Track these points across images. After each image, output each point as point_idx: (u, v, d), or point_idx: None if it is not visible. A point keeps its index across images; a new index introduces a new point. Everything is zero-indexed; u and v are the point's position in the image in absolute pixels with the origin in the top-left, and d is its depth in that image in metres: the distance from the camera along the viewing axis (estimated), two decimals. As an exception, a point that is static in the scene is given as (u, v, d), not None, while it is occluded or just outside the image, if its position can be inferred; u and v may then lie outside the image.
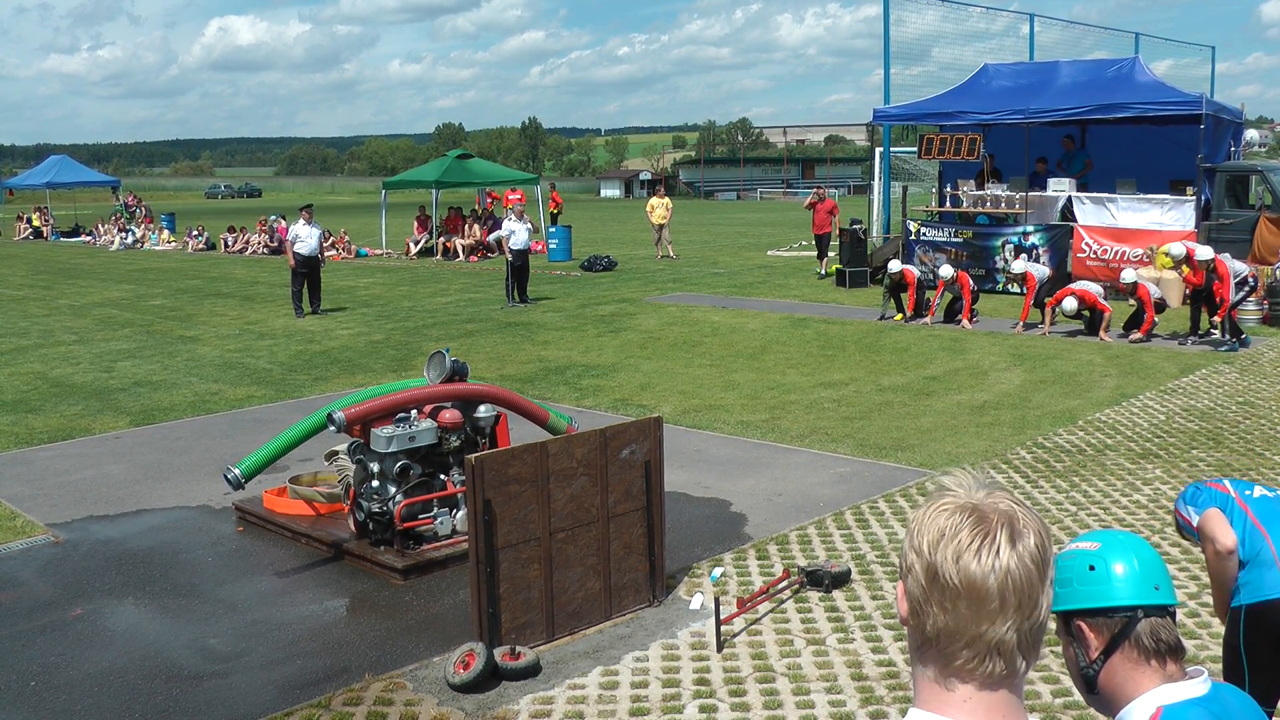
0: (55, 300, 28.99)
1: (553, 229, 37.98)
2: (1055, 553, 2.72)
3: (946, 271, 20.96)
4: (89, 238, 53.45)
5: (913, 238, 26.05)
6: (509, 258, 25.51)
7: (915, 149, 28.56)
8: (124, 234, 49.52)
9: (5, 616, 8.40)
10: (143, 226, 50.71)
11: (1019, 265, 21.33)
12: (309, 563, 9.35)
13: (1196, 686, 2.53)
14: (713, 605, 7.66)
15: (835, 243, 28.97)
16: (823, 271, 29.19)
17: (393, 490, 9.07)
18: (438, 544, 9.15)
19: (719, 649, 7.39)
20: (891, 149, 31.96)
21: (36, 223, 57.82)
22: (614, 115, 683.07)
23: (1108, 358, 17.03)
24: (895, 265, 21.32)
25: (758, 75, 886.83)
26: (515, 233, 25.49)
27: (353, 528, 9.46)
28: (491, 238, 38.06)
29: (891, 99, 29.00)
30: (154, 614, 8.39)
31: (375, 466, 9.18)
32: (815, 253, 30.94)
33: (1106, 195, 24.36)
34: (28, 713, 6.90)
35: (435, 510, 9.24)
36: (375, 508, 9.08)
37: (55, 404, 15.72)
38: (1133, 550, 2.80)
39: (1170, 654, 2.64)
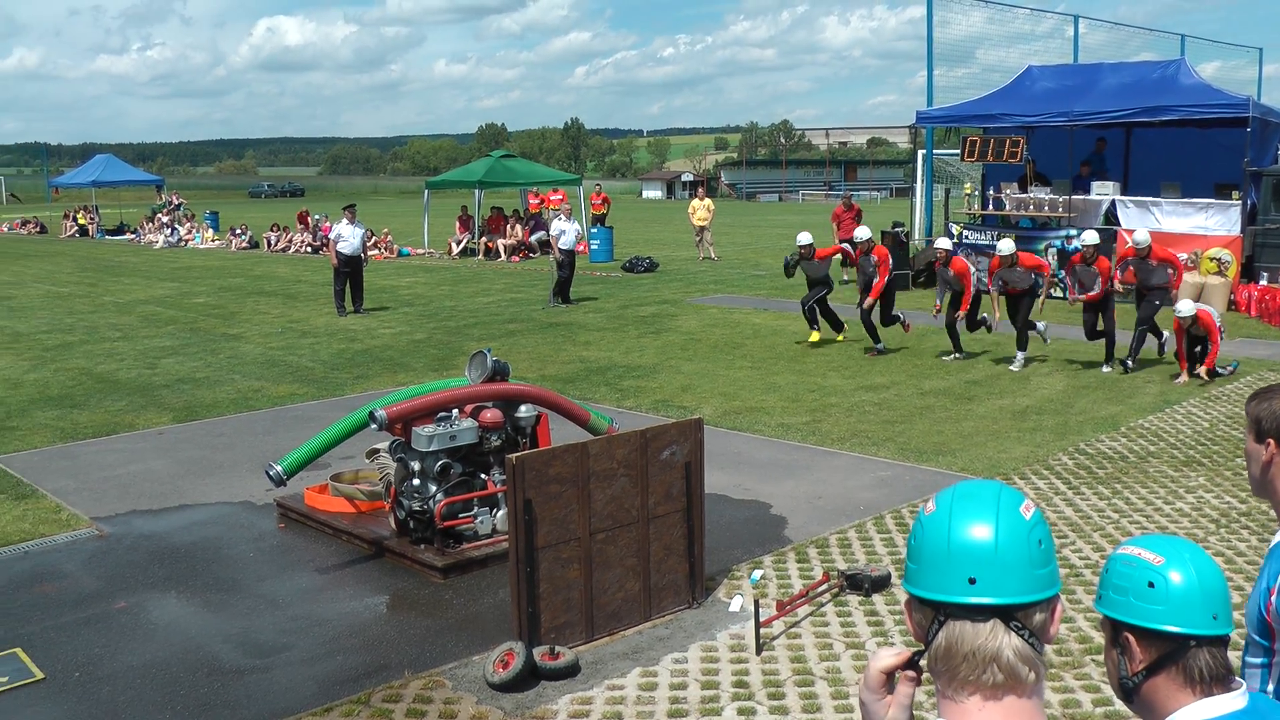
0: (100, 297, 29.23)
1: (594, 230, 38.00)
2: (1116, 552, 2.71)
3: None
4: (133, 235, 53.85)
5: (955, 241, 25.87)
6: (557, 258, 25.53)
7: (958, 151, 28.43)
8: (168, 232, 49.86)
9: (51, 608, 8.50)
10: (186, 225, 51.04)
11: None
12: (350, 560, 9.40)
13: (1235, 700, 2.49)
14: (752, 608, 7.65)
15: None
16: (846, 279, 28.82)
17: (433, 489, 9.10)
18: (478, 543, 9.18)
19: (758, 651, 7.39)
20: (934, 151, 31.83)
21: (82, 220, 58.30)
22: (657, 116, 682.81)
23: (1151, 363, 16.91)
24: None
25: (801, 77, 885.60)
26: (565, 233, 25.50)
27: (393, 525, 9.50)
28: (534, 237, 38.23)
29: (935, 101, 28.86)
30: (196, 608, 8.46)
31: (416, 465, 9.21)
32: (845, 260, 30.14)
33: (1150, 199, 24.21)
34: (73, 703, 6.98)
35: (475, 509, 9.27)
36: (416, 506, 9.11)
37: (100, 400, 15.86)
38: (1197, 572, 2.60)
39: (1216, 682, 2.57)
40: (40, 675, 7.35)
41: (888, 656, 2.10)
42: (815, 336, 19.49)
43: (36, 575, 9.19)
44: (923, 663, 2.09)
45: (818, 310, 19.61)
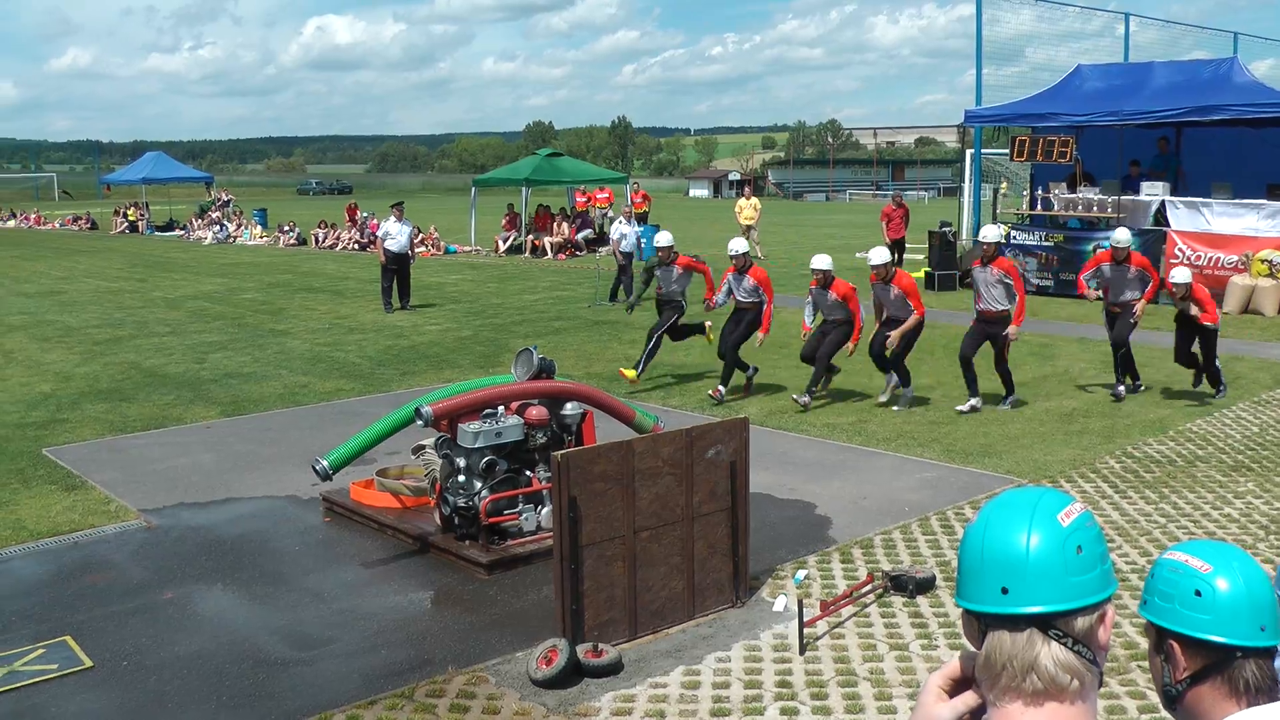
0: (150, 292, 29.48)
1: (642, 229, 37.99)
2: (1163, 556, 2.68)
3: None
4: (182, 232, 54.28)
5: (1003, 241, 25.70)
6: (618, 259, 25.55)
7: (1007, 151, 28.23)
8: (217, 229, 50.24)
9: (99, 597, 8.60)
10: (235, 222, 51.43)
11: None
12: (394, 555, 9.44)
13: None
14: (796, 607, 7.64)
15: (924, 245, 28.62)
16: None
17: (478, 485, 9.13)
18: (522, 540, 9.20)
19: (801, 651, 7.37)
20: (983, 151, 31.61)
21: (132, 217, 58.82)
22: (704, 115, 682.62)
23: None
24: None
25: (850, 76, 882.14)
26: (626, 236, 25.49)
27: (438, 521, 9.53)
28: (580, 235, 38.25)
29: (983, 100, 28.65)
30: (242, 600, 8.53)
31: (461, 461, 9.24)
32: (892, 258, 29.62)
33: (1201, 199, 23.95)
34: (121, 691, 7.06)
35: (520, 506, 9.30)
36: (461, 502, 9.14)
37: (149, 393, 16.00)
38: (1245, 581, 2.56)
39: (1262, 693, 2.53)
40: (89, 663, 7.45)
41: (948, 672, 2.11)
42: (631, 374, 15.85)
43: (86, 565, 9.30)
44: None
45: (662, 342, 16.30)
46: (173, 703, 6.91)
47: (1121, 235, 14.88)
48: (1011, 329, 13.98)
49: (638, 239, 26.04)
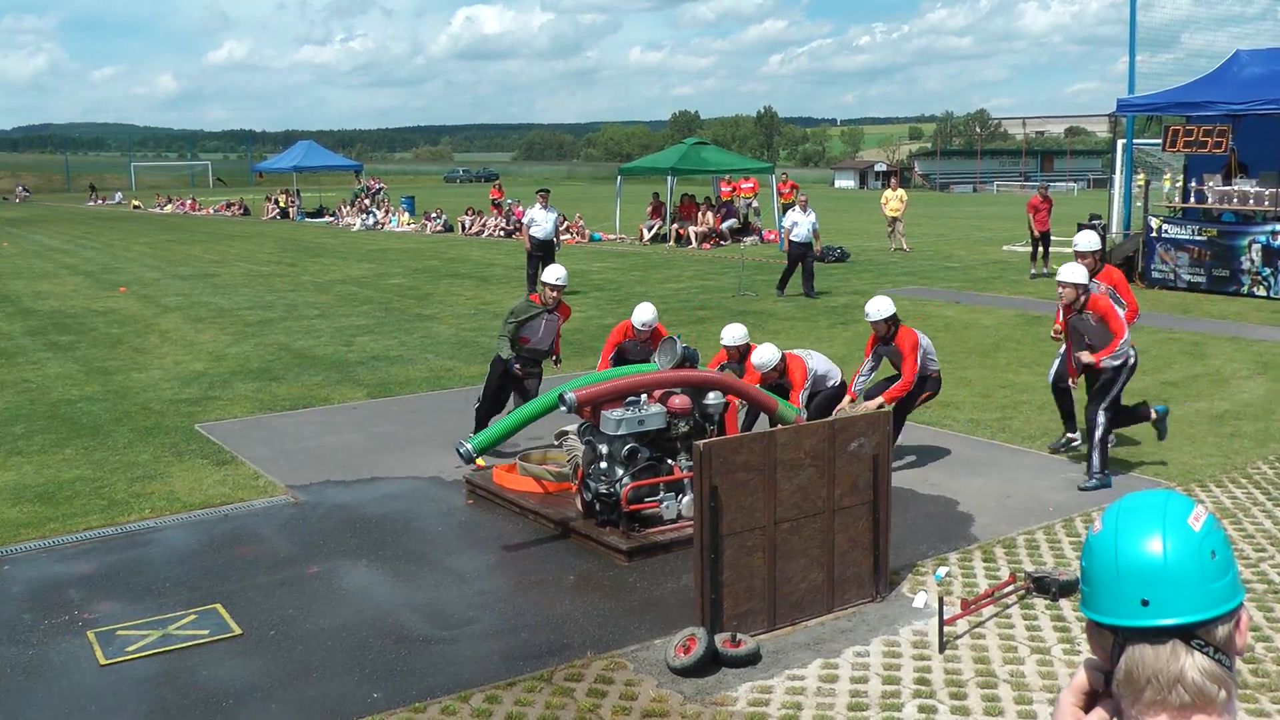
0: (299, 277, 30.12)
1: (813, 217, 37.79)
2: None
3: None
4: (331, 218, 55.39)
5: (1154, 235, 25.04)
6: (789, 249, 25.39)
7: (1159, 141, 27.49)
8: (365, 216, 51.14)
9: (248, 568, 8.84)
10: (383, 209, 52.29)
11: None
12: (536, 539, 9.52)
13: None
14: (936, 605, 7.54)
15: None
16: (1047, 270, 27.94)
17: (620, 472, 9.16)
18: (662, 528, 9.21)
19: (941, 649, 7.28)
20: (1135, 141, 30.81)
21: (283, 204, 60.26)
22: (851, 105, 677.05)
23: (1365, 368, 16.16)
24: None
25: (998, 65, 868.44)
26: (798, 224, 25.23)
27: (580, 507, 9.59)
28: (725, 225, 38.20)
29: (1136, 88, 27.82)
30: (385, 577, 8.68)
31: (604, 448, 9.28)
32: (1038, 250, 28.65)
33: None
34: (268, 659, 7.25)
35: (661, 494, 9.31)
36: (602, 489, 9.18)
37: (297, 374, 16.35)
38: None
39: None
40: (238, 630, 7.67)
41: (1078, 687, 2.05)
42: (481, 463, 10.77)
43: (235, 537, 9.56)
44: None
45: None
46: (317, 672, 7.06)
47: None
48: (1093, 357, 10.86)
49: (814, 228, 25.60)
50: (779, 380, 11.05)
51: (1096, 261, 11.69)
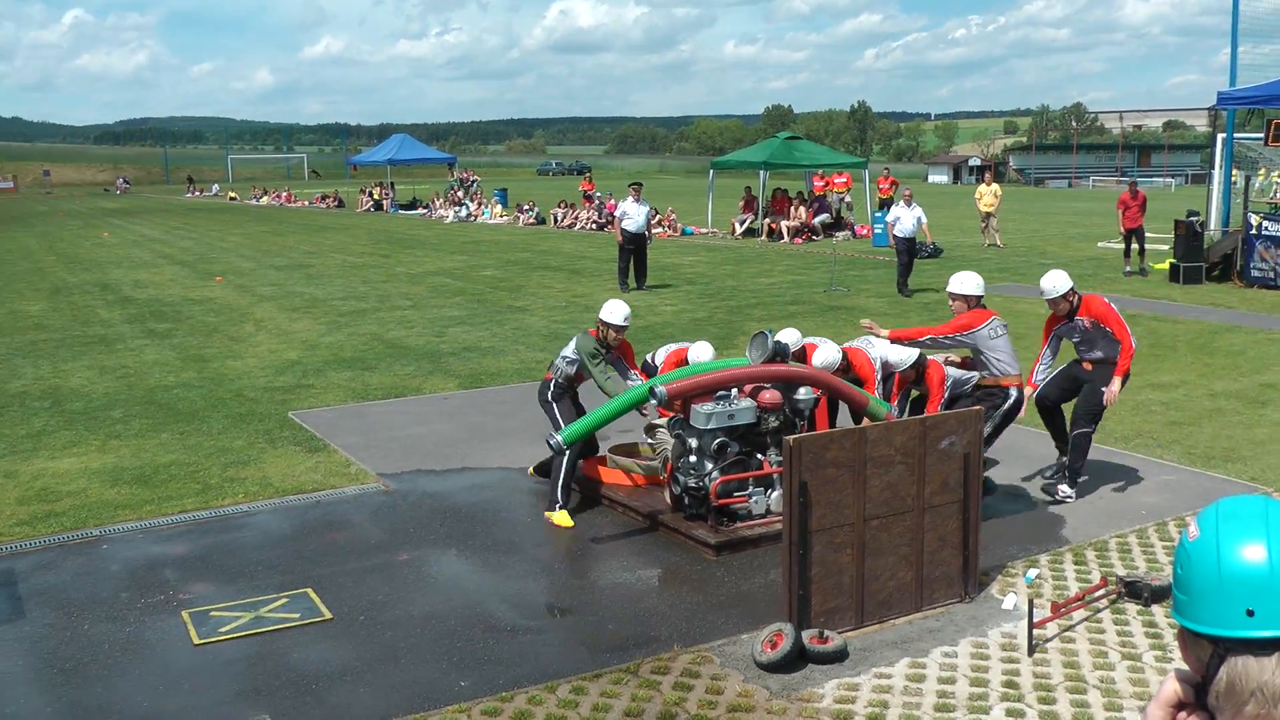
0: (393, 268, 30.42)
1: (879, 213, 37.58)
2: None
3: None
4: (425, 210, 55.89)
5: (1253, 232, 24.48)
6: (896, 245, 25.01)
7: (1261, 135, 26.90)
8: (458, 208, 51.54)
9: (339, 554, 8.95)
10: (476, 201, 52.65)
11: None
12: (625, 531, 9.54)
13: None
14: (1026, 607, 7.46)
15: (1169, 235, 27.45)
16: (1143, 268, 27.51)
17: (709, 466, 9.15)
18: (751, 522, 9.19)
19: (1030, 652, 7.19)
20: (1235, 135, 30.19)
21: (377, 196, 60.98)
22: (945, 100, 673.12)
23: None
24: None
25: (1096, 57, 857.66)
26: (900, 219, 24.83)
27: (669, 500, 9.60)
28: (818, 219, 38.02)
29: (1238, 80, 27.15)
30: (474, 566, 8.74)
31: (693, 442, 9.27)
32: (1130, 247, 27.97)
33: None
34: (357, 644, 7.34)
35: (750, 489, 9.29)
36: (691, 482, 9.18)
37: (390, 364, 16.51)
38: None
39: None
40: (329, 615, 7.77)
41: (1167, 698, 1.98)
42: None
43: (327, 523, 9.68)
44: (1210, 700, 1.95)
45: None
46: (405, 658, 7.13)
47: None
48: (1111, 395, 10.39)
49: (919, 222, 25.23)
50: (847, 378, 10.38)
51: (1071, 302, 10.45)
